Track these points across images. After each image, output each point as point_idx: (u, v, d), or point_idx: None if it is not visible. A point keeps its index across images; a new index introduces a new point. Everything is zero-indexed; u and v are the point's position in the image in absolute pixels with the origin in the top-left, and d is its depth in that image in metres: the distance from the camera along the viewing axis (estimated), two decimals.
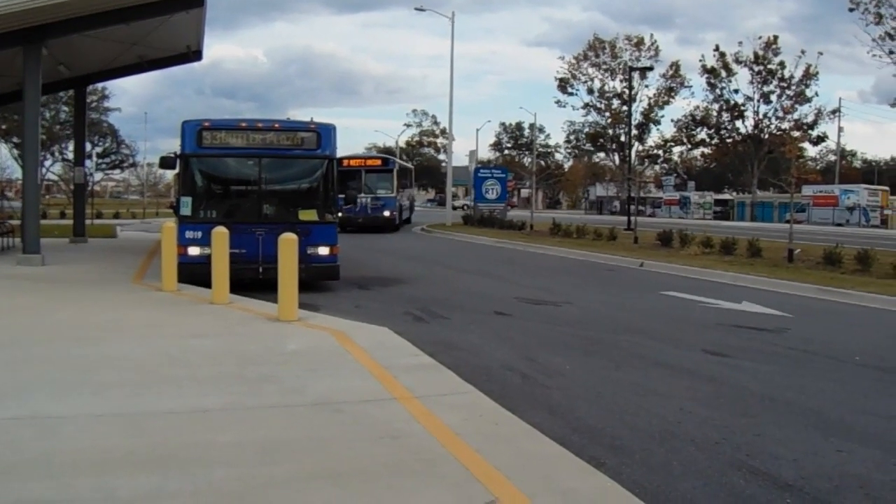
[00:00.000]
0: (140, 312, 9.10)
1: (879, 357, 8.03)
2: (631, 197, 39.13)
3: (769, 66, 59.30)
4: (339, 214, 13.93)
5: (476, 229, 32.11)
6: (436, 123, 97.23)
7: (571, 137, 76.02)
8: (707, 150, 69.88)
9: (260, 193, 12.55)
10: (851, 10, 23.77)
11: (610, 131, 67.02)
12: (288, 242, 8.77)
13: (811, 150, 67.60)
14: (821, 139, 62.28)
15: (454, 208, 43.63)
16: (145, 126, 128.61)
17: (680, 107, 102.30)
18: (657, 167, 74.07)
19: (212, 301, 9.84)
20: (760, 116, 61.47)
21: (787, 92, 59.29)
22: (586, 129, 70.48)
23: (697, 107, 64.80)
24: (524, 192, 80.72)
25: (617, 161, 68.81)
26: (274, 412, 5.07)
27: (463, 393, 5.69)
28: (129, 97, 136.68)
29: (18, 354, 6.67)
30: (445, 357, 7.04)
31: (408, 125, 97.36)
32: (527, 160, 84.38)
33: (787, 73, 58.79)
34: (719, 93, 62.53)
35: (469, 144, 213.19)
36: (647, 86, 63.33)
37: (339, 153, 14.57)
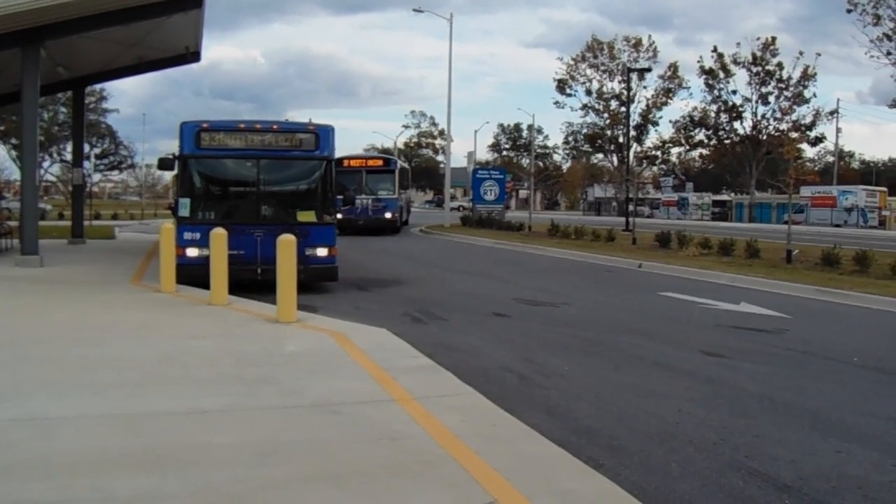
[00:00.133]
0: (138, 313, 9.09)
1: (878, 358, 8.04)
2: (629, 198, 39.13)
3: (767, 67, 59.40)
4: (339, 216, 13.92)
5: (474, 230, 32.09)
6: (434, 125, 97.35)
7: (570, 138, 76.12)
8: (705, 151, 69.90)
9: (258, 195, 12.55)
10: (849, 11, 23.82)
11: (608, 132, 67.10)
12: (286, 244, 8.77)
13: (809, 151, 67.85)
14: (819, 140, 62.47)
15: (452, 209, 43.61)
16: (144, 127, 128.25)
17: (678, 108, 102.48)
18: (655, 168, 74.12)
19: (210, 302, 9.83)
20: (758, 117, 61.62)
21: (786, 93, 59.41)
22: (584, 130, 70.59)
23: (695, 108, 65.01)
24: (522, 193, 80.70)
25: (615, 162, 68.89)
26: (272, 413, 5.06)
27: (462, 394, 5.69)
28: (128, 98, 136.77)
29: (17, 355, 6.67)
30: (444, 358, 7.04)
31: (406, 126, 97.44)
32: (525, 161, 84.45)
33: (785, 74, 58.95)
34: (717, 94, 62.65)
35: (467, 145, 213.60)
36: (645, 87, 63.60)
37: (338, 154, 14.59)
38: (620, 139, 63.17)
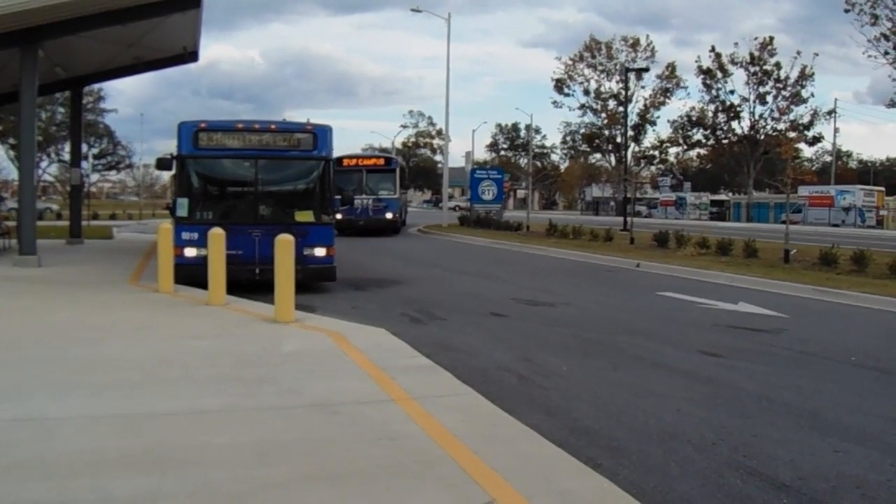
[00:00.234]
0: (137, 314, 9.08)
1: (876, 357, 8.05)
2: (627, 198, 39.16)
3: (765, 67, 59.45)
4: (339, 217, 13.89)
5: (472, 230, 32.08)
6: (432, 124, 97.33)
7: (568, 138, 76.19)
8: (703, 151, 70.03)
9: (256, 195, 12.55)
10: (847, 11, 23.82)
11: (606, 132, 67.16)
12: (284, 244, 8.76)
13: (807, 151, 67.99)
14: (816, 140, 62.57)
15: (448, 209, 43.59)
16: (141, 127, 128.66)
17: (676, 108, 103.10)
18: (653, 168, 74.15)
19: (208, 302, 9.83)
20: (756, 117, 61.66)
21: (783, 93, 59.50)
22: (582, 130, 70.61)
23: (693, 108, 65.11)
24: (520, 193, 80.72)
25: (613, 162, 68.95)
26: (271, 413, 5.06)
27: (460, 394, 5.69)
28: (126, 98, 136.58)
29: (16, 355, 6.66)
30: (443, 358, 7.04)
31: (404, 126, 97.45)
32: (523, 161, 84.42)
33: (782, 74, 59.03)
34: (715, 94, 62.73)
35: (465, 145, 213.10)
36: (643, 87, 63.73)
37: (336, 154, 14.58)
38: (618, 139, 63.28)
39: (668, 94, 64.85)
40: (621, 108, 56.91)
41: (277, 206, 12.65)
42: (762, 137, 60.53)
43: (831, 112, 62.05)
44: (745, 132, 62.32)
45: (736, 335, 9.23)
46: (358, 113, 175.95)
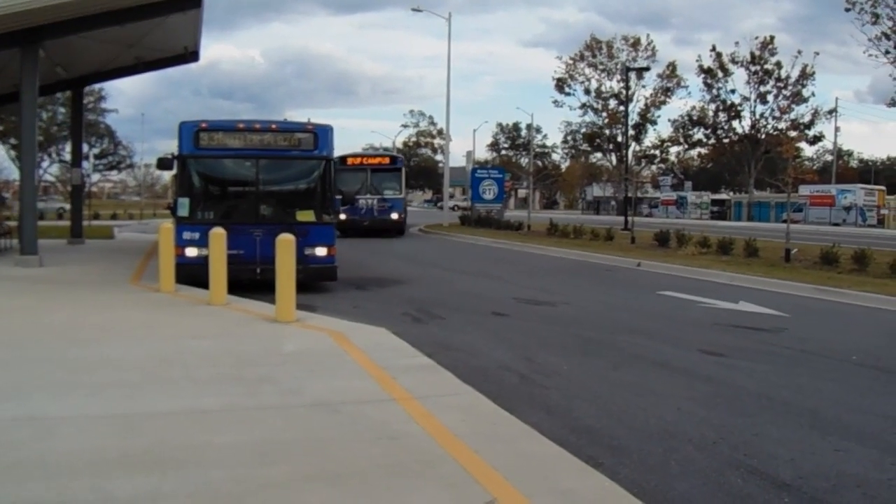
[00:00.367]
0: (138, 313, 9.09)
1: (876, 356, 8.05)
2: (628, 197, 39.15)
3: (766, 67, 59.43)
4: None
5: (473, 230, 32.07)
6: (433, 124, 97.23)
7: (568, 138, 76.17)
8: (704, 151, 70.01)
9: (257, 194, 12.55)
10: (848, 10, 23.80)
11: (607, 131, 67.20)
12: (285, 243, 8.76)
13: (808, 150, 67.95)
14: (817, 139, 62.57)
15: (449, 209, 43.56)
16: (142, 127, 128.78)
17: (676, 107, 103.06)
18: (654, 167, 74.19)
19: (209, 302, 9.83)
20: (757, 116, 61.66)
21: (784, 92, 59.46)
22: (583, 130, 70.64)
23: (694, 107, 65.16)
24: (521, 193, 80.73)
25: (614, 161, 68.97)
26: (272, 413, 5.06)
27: (461, 394, 5.69)
28: (126, 98, 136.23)
29: (16, 355, 6.67)
30: (443, 358, 7.03)
31: (405, 126, 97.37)
32: (524, 160, 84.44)
33: (783, 74, 59.03)
34: (716, 93, 62.74)
35: (466, 145, 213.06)
36: (643, 86, 63.77)
37: (337, 153, 14.58)
38: (619, 138, 63.26)
39: (669, 94, 64.94)
40: (622, 108, 56.92)
41: (278, 206, 12.65)
42: (763, 137, 60.50)
43: (832, 111, 62.12)
44: (746, 131, 62.30)
45: (736, 334, 9.23)
46: (358, 112, 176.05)
